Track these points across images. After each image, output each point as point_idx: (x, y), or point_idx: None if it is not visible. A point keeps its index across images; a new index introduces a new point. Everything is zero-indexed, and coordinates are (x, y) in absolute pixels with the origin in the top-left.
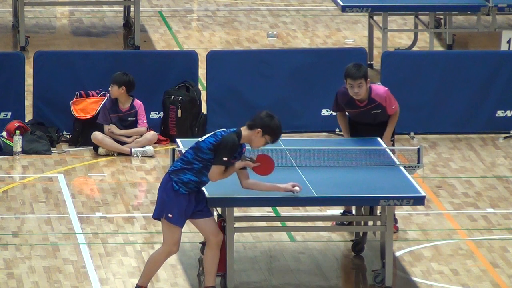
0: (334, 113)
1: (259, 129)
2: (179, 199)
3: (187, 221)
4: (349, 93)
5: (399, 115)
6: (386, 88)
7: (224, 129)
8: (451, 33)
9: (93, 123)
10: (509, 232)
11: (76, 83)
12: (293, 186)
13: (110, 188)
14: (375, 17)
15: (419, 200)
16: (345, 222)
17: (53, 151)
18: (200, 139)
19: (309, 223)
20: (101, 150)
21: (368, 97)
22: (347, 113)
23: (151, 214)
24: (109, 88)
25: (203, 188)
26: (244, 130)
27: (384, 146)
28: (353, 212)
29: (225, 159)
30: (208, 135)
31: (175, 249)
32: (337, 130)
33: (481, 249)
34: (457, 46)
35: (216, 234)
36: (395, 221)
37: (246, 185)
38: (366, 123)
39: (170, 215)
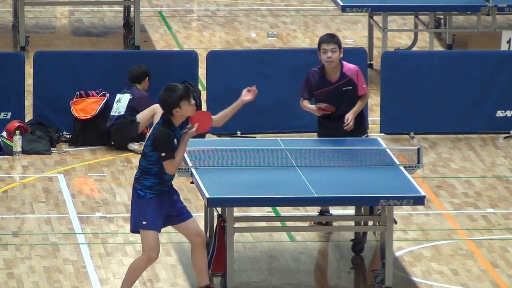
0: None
1: (171, 109)
2: (149, 204)
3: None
4: (322, 61)
5: (399, 115)
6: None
7: (154, 126)
8: (451, 33)
9: (93, 123)
10: (509, 232)
11: (76, 83)
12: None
13: (110, 188)
14: (375, 17)
15: (419, 200)
16: (323, 222)
17: (53, 151)
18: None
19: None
20: (135, 147)
21: (340, 72)
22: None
23: None
24: (144, 81)
25: (204, 188)
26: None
27: (384, 146)
28: (330, 212)
29: (163, 154)
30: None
31: (154, 255)
32: None
33: (481, 249)
34: (457, 46)
35: (199, 234)
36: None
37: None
38: (338, 111)
39: (144, 223)
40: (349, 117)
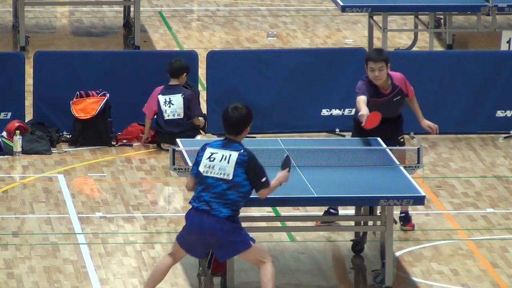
0: (358, 97)
1: (248, 128)
2: (239, 222)
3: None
4: (370, 78)
5: None
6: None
7: (240, 153)
8: (451, 33)
9: (93, 123)
10: (509, 232)
11: (76, 83)
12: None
13: (110, 188)
14: (375, 17)
15: (419, 200)
16: (328, 221)
17: (53, 151)
18: (223, 176)
19: (309, 223)
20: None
21: (392, 84)
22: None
23: (151, 214)
24: (181, 76)
25: None
26: (238, 138)
27: (384, 146)
28: (338, 210)
29: (264, 179)
30: (228, 166)
31: (270, 257)
32: (337, 130)
33: (481, 249)
34: (457, 46)
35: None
36: (410, 219)
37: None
38: (382, 116)
39: (251, 242)
40: (429, 124)
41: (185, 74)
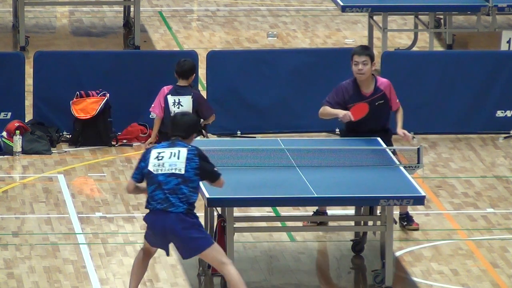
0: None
1: (195, 134)
2: (198, 219)
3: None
4: (354, 74)
5: None
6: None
7: (189, 148)
8: (451, 33)
9: (93, 123)
10: (509, 232)
11: (76, 83)
12: None
13: (110, 188)
14: (375, 17)
15: (419, 200)
16: (317, 222)
17: (53, 151)
18: (175, 171)
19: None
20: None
21: (374, 87)
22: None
23: None
24: (191, 77)
25: (204, 188)
26: (186, 141)
27: (384, 146)
28: (326, 212)
29: (217, 168)
30: (178, 162)
31: (229, 259)
32: (337, 130)
33: (481, 249)
34: (457, 46)
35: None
36: (412, 218)
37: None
38: (366, 126)
39: (213, 241)
40: (404, 131)
41: (194, 75)
